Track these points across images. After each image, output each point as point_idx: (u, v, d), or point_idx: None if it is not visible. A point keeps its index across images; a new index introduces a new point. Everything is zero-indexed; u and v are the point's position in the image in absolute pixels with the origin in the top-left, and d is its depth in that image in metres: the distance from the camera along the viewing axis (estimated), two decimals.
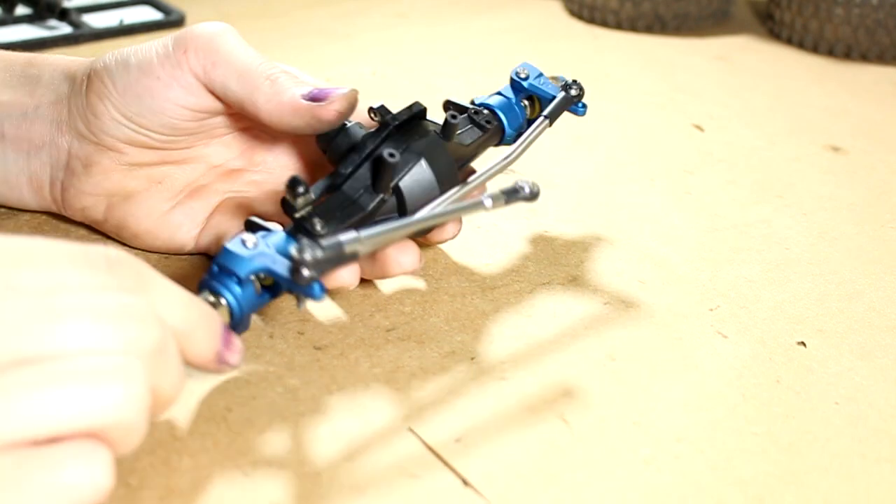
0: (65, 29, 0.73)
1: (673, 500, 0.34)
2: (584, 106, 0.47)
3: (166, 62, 0.41)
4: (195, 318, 0.33)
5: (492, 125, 0.45)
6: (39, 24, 0.74)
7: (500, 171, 0.43)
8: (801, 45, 0.79)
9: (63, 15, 0.73)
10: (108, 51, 0.44)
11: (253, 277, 0.36)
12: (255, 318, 0.42)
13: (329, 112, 0.41)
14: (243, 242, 0.36)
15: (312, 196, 0.38)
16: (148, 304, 0.30)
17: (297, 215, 0.38)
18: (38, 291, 0.29)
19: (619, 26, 0.82)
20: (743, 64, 0.76)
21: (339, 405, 0.37)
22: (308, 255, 0.33)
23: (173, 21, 0.76)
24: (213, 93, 0.42)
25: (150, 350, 0.30)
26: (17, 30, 0.73)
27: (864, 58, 0.77)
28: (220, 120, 0.44)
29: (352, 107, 0.41)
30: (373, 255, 0.41)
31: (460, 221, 0.44)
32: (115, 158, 0.43)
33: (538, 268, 0.47)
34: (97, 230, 0.46)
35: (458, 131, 0.43)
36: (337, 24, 0.80)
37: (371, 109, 0.41)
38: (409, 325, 0.42)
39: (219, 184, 0.45)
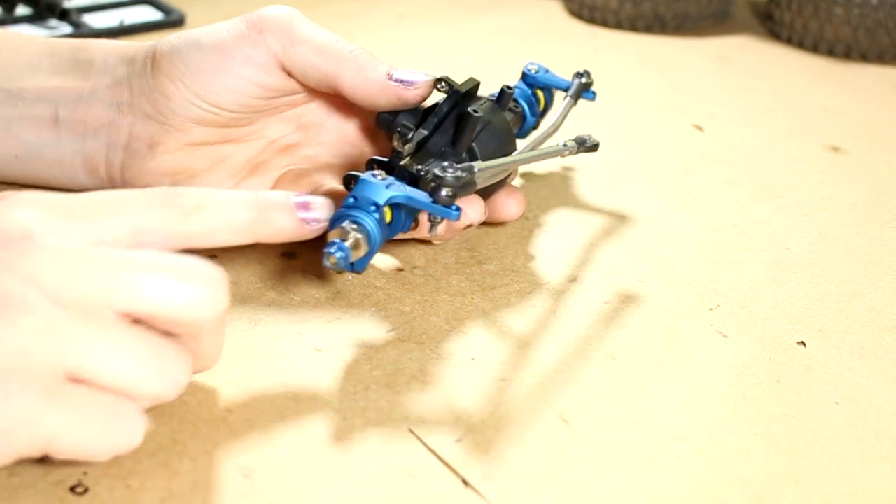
0: (65, 29, 0.73)
1: (673, 500, 0.34)
2: (594, 93, 0.53)
3: (241, 42, 0.43)
4: (263, 205, 0.36)
5: (519, 109, 0.50)
6: (39, 24, 0.74)
7: (550, 135, 0.49)
8: (801, 45, 0.79)
9: (63, 15, 0.73)
10: None
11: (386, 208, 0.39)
12: (257, 316, 0.42)
13: (414, 95, 0.44)
14: (374, 176, 0.39)
15: (414, 146, 0.42)
16: (220, 271, 0.33)
17: (403, 162, 0.41)
18: (121, 242, 0.32)
19: (619, 26, 0.82)
20: (743, 64, 0.76)
21: (339, 406, 0.37)
22: (450, 175, 0.37)
23: (173, 21, 0.76)
24: (289, 71, 0.44)
25: (217, 315, 0.33)
26: (17, 30, 0.73)
27: (864, 58, 0.77)
28: (287, 98, 0.46)
29: (430, 94, 0.45)
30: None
31: (524, 203, 0.47)
32: (180, 138, 0.44)
33: (538, 268, 0.47)
34: None
35: (511, 103, 0.48)
36: (337, 24, 0.80)
37: (437, 80, 0.44)
38: (409, 325, 0.42)
39: (276, 159, 0.47)
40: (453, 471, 0.35)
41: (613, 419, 0.37)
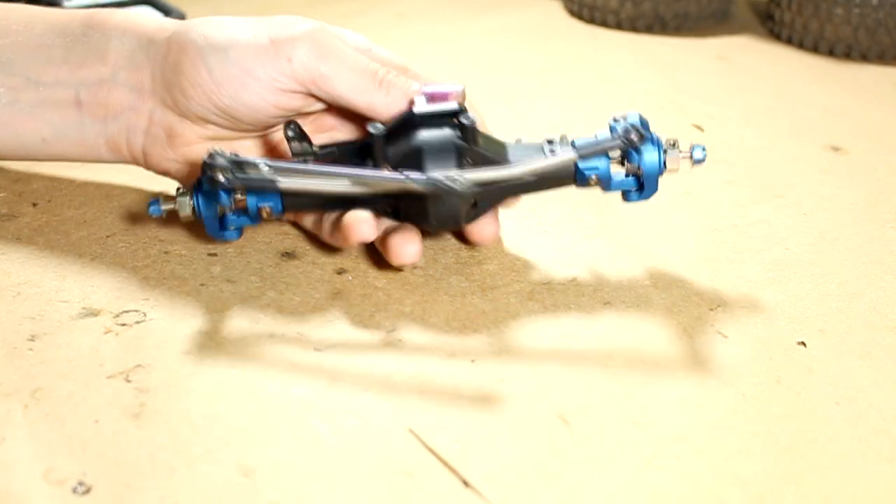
0: None
1: (673, 500, 0.34)
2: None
3: (269, 66, 0.42)
4: None
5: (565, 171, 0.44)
6: None
7: (511, 195, 0.45)
8: (801, 45, 0.79)
9: None
10: None
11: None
12: (257, 316, 0.42)
13: None
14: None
15: (309, 147, 0.42)
16: None
17: (294, 159, 0.42)
18: None
19: (619, 26, 0.82)
20: (743, 64, 0.76)
21: (339, 406, 0.37)
22: (217, 160, 0.38)
23: None
24: (316, 97, 0.43)
25: None
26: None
27: (864, 58, 0.77)
28: (307, 110, 0.45)
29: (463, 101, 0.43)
30: (382, 240, 0.43)
31: (498, 224, 0.45)
32: (197, 131, 0.45)
33: (538, 268, 0.47)
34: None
35: (479, 138, 0.43)
36: (337, 24, 0.79)
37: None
38: (409, 325, 0.42)
39: None
40: (453, 471, 0.35)
41: (613, 419, 0.37)
